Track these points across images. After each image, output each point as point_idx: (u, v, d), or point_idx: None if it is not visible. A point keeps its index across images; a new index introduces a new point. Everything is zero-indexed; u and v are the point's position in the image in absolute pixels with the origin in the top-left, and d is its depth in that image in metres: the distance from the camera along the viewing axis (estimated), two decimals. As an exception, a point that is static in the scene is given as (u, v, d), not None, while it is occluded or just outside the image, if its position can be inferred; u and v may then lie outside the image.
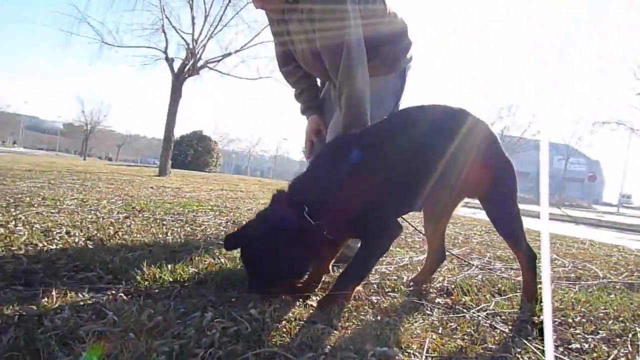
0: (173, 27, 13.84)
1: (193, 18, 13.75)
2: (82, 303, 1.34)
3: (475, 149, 1.81)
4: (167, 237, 2.57)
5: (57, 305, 1.30)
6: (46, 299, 1.34)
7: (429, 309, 1.71)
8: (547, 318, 1.49)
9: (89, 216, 3.15)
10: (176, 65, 13.81)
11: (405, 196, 1.81)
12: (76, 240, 2.23)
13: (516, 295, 1.98)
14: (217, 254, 2.22)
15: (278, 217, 1.67)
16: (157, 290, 1.58)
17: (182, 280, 1.75)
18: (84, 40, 14.16)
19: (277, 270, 1.63)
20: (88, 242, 2.24)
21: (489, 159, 1.84)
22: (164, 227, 3.01)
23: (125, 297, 1.46)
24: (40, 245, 2.05)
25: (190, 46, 13.73)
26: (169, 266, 1.86)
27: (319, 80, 2.56)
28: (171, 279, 1.72)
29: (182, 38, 13.92)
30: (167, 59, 13.69)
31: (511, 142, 36.11)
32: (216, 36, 14.46)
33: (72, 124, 67.68)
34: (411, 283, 2.05)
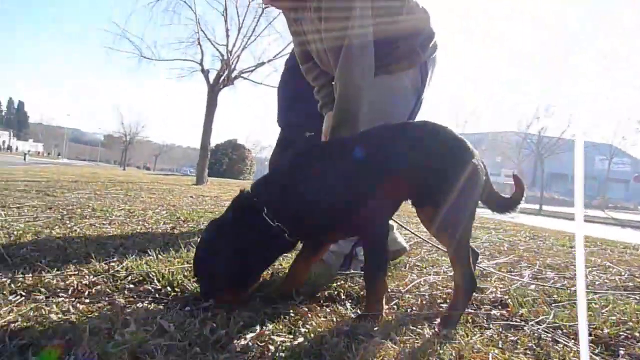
0: (208, 39, 14.24)
1: (227, 30, 14.09)
2: (146, 316, 1.38)
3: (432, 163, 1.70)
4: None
5: (123, 319, 1.34)
6: (112, 313, 1.39)
7: (485, 321, 1.67)
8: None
9: (138, 227, 3.25)
10: (211, 76, 14.16)
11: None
12: (130, 251, 2.30)
13: (574, 306, 1.91)
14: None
15: (234, 219, 1.65)
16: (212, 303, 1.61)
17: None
18: (123, 55, 14.75)
19: (229, 273, 1.59)
20: (142, 254, 2.30)
21: (445, 172, 1.69)
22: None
23: (185, 311, 1.49)
24: (97, 257, 2.13)
25: (225, 57, 14.05)
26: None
27: None
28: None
29: (217, 50, 14.29)
30: (202, 70, 14.07)
31: (549, 143, 35.09)
32: (249, 46, 14.78)
33: (112, 135, 70.19)
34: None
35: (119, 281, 1.77)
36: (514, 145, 41.69)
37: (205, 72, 14.00)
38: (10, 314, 1.29)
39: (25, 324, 1.22)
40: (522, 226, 6.96)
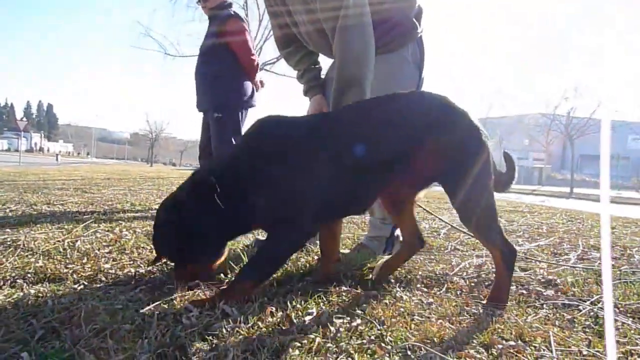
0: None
1: (247, 23, 14.07)
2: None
3: (420, 131, 1.61)
4: (258, 235, 2.66)
5: (184, 304, 1.39)
6: (174, 299, 1.43)
7: (537, 301, 1.66)
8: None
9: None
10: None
11: (332, 196, 1.59)
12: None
13: (628, 284, 1.88)
14: (312, 250, 2.27)
15: (187, 196, 1.61)
16: (269, 286, 1.64)
17: (289, 275, 1.81)
18: (148, 53, 14.96)
19: (174, 253, 1.61)
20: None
21: (442, 140, 1.59)
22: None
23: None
24: (148, 247, 2.19)
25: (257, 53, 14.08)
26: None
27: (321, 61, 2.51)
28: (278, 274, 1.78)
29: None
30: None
31: (579, 124, 34.07)
32: (270, 38, 14.75)
33: (138, 133, 71.46)
34: (381, 268, 1.89)
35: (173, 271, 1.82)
36: (542, 127, 40.60)
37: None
38: (81, 302, 1.35)
39: (95, 310, 1.27)
40: (555, 209, 6.82)
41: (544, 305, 1.62)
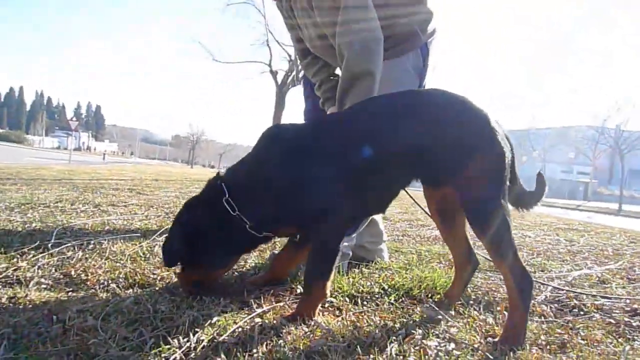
0: (276, 41, 14.54)
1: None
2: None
3: (441, 133, 1.52)
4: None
5: (279, 319, 1.41)
6: (262, 311, 1.45)
7: (628, 332, 1.59)
8: None
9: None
10: (279, 77, 14.47)
11: (351, 197, 1.53)
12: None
13: None
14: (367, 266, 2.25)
15: (199, 200, 1.62)
16: (341, 300, 1.65)
17: (362, 291, 1.80)
18: (195, 59, 15.40)
19: (180, 253, 1.56)
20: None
21: (453, 138, 1.51)
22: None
23: (327, 311, 1.54)
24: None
25: (293, 57, 14.29)
26: (346, 277, 1.93)
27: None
28: (351, 290, 1.78)
29: (285, 50, 14.55)
30: (271, 71, 14.42)
31: (630, 138, 32.62)
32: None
33: (179, 135, 73.41)
34: (445, 299, 1.76)
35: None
36: (589, 140, 39.08)
37: (274, 73, 14.37)
38: (179, 310, 1.39)
39: (197, 321, 1.31)
40: (612, 228, 6.53)
41: (636, 337, 1.55)
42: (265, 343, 1.20)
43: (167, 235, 1.65)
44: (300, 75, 14.53)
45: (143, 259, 2.06)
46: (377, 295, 1.77)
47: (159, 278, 1.77)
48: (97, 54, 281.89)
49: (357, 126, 1.60)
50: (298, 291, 1.73)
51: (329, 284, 1.53)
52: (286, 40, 14.64)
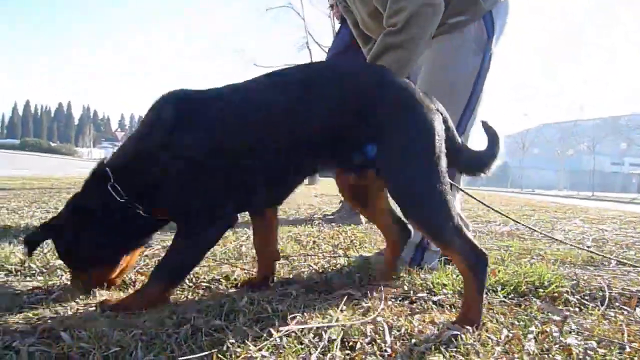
0: (316, 42, 14.56)
1: (334, 30, 14.26)
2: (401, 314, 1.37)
3: (337, 101, 1.38)
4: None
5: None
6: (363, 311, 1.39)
7: None
8: None
9: (312, 229, 3.34)
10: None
11: (250, 179, 1.39)
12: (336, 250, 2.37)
13: None
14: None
15: (82, 189, 1.45)
16: (450, 297, 1.56)
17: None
18: (234, 63, 15.65)
19: (71, 255, 1.42)
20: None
21: (373, 117, 1.36)
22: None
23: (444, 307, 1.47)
24: (309, 255, 2.21)
25: (332, 58, 14.27)
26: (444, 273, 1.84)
27: None
28: (457, 287, 1.69)
29: (325, 52, 14.51)
30: (312, 73, 14.46)
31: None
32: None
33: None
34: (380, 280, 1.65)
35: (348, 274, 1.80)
36: (642, 130, 37.10)
37: (314, 75, 14.41)
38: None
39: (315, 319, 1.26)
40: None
41: None
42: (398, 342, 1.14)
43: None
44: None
45: (235, 259, 2.05)
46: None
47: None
48: (135, 65, 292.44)
49: (252, 97, 1.43)
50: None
51: (172, 290, 1.39)
52: (327, 42, 14.72)
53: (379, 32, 1.88)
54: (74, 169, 18.22)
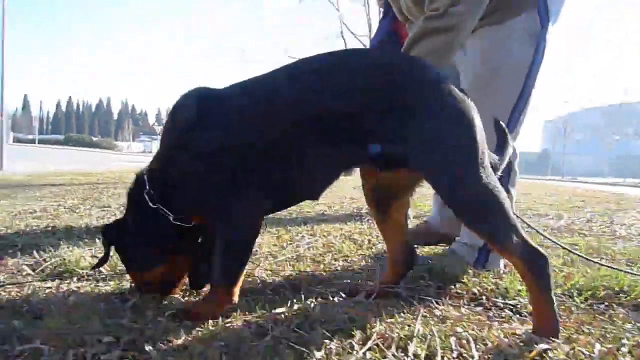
0: (351, 32, 14.42)
1: (369, 20, 14.10)
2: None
3: (373, 94, 1.29)
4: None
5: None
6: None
7: None
8: None
9: (363, 226, 3.29)
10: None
11: (277, 173, 1.35)
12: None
13: None
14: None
15: (128, 193, 1.48)
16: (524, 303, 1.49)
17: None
18: (269, 56, 15.70)
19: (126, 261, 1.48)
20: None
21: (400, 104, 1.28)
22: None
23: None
24: (368, 256, 2.18)
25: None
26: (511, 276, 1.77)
27: None
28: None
29: (360, 42, 14.39)
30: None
31: None
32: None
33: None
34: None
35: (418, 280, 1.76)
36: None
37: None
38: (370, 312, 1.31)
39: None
40: None
41: None
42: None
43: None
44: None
45: (295, 260, 2.03)
46: (560, 297, 1.59)
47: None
48: (169, 62, 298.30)
49: (276, 89, 1.37)
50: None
51: (236, 288, 1.35)
52: (362, 31, 14.53)
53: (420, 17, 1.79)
54: (115, 162, 18.81)
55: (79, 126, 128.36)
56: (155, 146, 42.08)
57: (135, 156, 43.39)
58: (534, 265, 1.21)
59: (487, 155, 1.29)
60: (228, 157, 1.33)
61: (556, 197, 7.02)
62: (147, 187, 1.39)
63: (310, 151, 1.34)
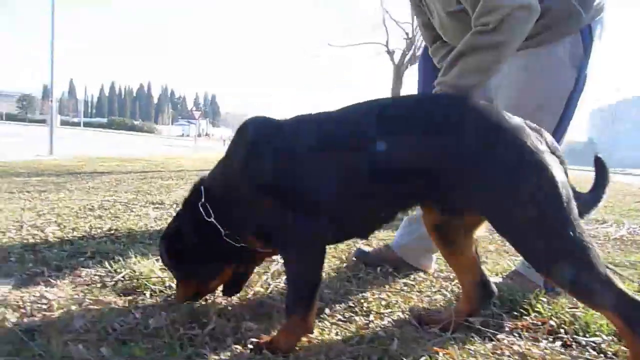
0: (393, 19, 14.15)
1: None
2: None
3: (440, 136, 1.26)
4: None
5: None
6: None
7: None
8: None
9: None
10: (396, 57, 14.11)
11: (329, 215, 1.31)
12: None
13: None
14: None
15: (183, 204, 1.55)
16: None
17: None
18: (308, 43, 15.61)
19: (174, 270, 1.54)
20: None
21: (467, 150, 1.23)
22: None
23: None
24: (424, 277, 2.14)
25: (410, 35, 13.82)
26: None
27: None
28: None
29: (402, 29, 14.12)
30: (388, 51, 14.11)
31: None
32: (434, 20, 14.27)
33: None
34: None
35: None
36: None
37: (391, 53, 14.06)
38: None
39: None
40: None
41: None
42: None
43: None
44: (418, 53, 14.04)
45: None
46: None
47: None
48: (211, 48, 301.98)
49: (349, 128, 1.36)
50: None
51: (311, 316, 1.33)
52: (404, 18, 14.19)
53: (455, 33, 1.79)
54: (156, 147, 19.31)
55: (120, 109, 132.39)
56: (192, 130, 42.94)
57: (174, 140, 44.61)
58: (631, 319, 1.12)
59: (573, 201, 1.20)
60: (294, 189, 1.32)
61: (610, 195, 6.71)
62: (203, 199, 1.43)
63: (373, 190, 1.33)
